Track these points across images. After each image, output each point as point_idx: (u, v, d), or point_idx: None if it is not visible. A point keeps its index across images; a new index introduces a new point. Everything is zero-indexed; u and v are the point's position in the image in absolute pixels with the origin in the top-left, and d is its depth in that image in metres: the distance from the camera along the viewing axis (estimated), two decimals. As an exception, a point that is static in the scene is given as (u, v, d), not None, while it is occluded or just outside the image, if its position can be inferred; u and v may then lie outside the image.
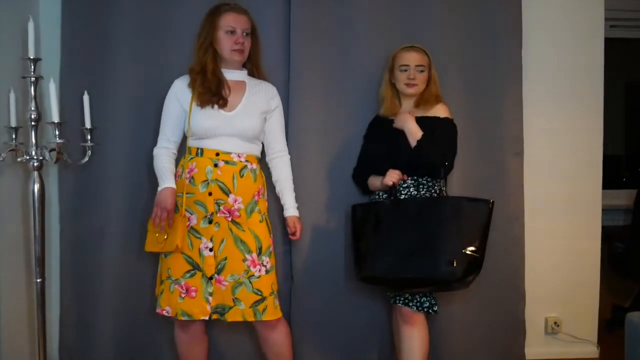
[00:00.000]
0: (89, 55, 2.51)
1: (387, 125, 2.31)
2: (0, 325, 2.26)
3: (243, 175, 2.14)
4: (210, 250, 2.11)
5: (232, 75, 2.21)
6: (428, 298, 2.18)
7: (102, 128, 2.41)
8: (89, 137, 2.21)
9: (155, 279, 2.54)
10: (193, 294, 2.11)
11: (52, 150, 2.11)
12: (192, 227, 2.13)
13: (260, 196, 2.21)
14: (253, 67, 2.26)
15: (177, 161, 2.25)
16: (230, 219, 2.12)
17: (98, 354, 2.56)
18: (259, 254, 2.13)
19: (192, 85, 2.15)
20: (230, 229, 2.12)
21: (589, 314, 2.86)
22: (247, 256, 2.12)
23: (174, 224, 2.10)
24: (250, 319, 2.13)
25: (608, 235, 3.20)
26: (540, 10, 2.73)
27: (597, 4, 2.78)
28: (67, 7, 2.51)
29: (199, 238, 2.12)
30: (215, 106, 2.13)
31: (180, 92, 2.19)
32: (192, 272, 2.12)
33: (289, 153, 2.45)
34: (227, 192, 2.12)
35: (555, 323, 2.83)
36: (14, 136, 2.13)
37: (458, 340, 2.62)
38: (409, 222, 2.11)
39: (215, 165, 2.11)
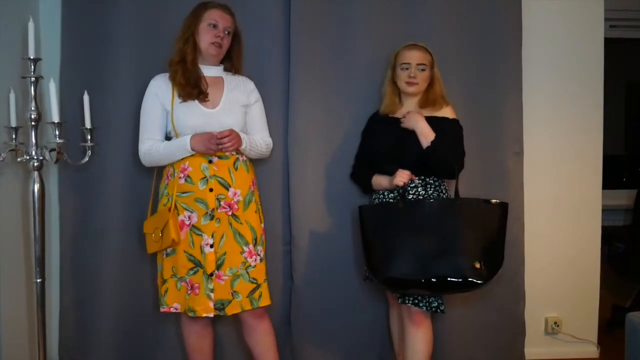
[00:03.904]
0: (89, 55, 2.51)
1: (389, 124, 2.31)
2: (0, 325, 2.26)
3: (237, 168, 2.17)
4: (211, 246, 2.13)
5: (209, 71, 2.22)
6: (436, 298, 2.18)
7: (102, 128, 2.41)
8: (89, 137, 2.20)
9: (155, 278, 2.55)
10: (197, 290, 2.14)
11: (52, 150, 2.10)
12: (193, 225, 2.13)
13: (254, 186, 2.25)
14: (232, 67, 2.27)
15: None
16: (230, 213, 2.14)
17: (98, 354, 2.56)
18: (255, 244, 2.17)
19: (172, 77, 2.16)
20: (230, 223, 2.14)
21: (589, 314, 2.86)
22: (245, 248, 2.15)
23: (165, 221, 2.11)
24: (248, 307, 2.15)
25: (608, 235, 3.21)
26: (540, 10, 2.73)
27: (597, 4, 2.78)
28: (67, 7, 2.51)
29: (200, 235, 2.13)
30: (197, 102, 2.14)
31: (159, 90, 2.19)
32: (195, 269, 2.14)
33: (290, 152, 2.47)
34: (226, 187, 2.14)
35: (555, 323, 2.83)
36: (14, 136, 2.13)
37: (458, 340, 2.62)
38: (427, 224, 2.09)
39: (210, 162, 2.12)
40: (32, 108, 2.04)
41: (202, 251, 2.13)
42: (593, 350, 2.87)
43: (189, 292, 2.15)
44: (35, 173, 2.08)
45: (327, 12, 2.55)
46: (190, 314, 2.15)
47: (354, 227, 2.49)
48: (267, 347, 2.25)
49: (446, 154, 2.17)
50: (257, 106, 2.29)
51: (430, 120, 2.21)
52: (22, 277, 2.40)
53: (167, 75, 2.20)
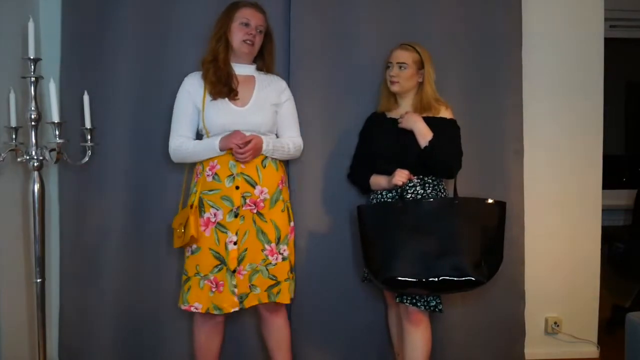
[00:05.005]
0: (89, 55, 2.51)
1: (387, 124, 2.31)
2: (0, 326, 2.26)
3: (265, 166, 2.19)
4: (235, 243, 2.15)
5: (241, 69, 2.24)
6: (434, 297, 2.18)
7: (102, 128, 2.42)
8: (89, 137, 2.21)
9: (155, 278, 2.56)
10: (221, 288, 2.15)
11: (52, 150, 2.10)
12: (218, 223, 2.15)
13: (284, 185, 2.26)
14: (264, 65, 2.30)
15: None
16: (255, 210, 2.16)
17: (98, 354, 2.56)
18: (277, 243, 2.19)
19: (204, 75, 2.19)
20: (254, 221, 2.16)
21: (589, 314, 2.86)
22: (267, 246, 2.18)
23: (187, 217, 2.13)
24: (265, 300, 2.20)
25: (608, 235, 3.21)
26: (540, 10, 2.73)
27: (597, 4, 2.78)
28: (67, 7, 2.51)
29: (225, 232, 2.15)
30: (227, 101, 2.16)
31: (192, 88, 2.22)
32: (220, 266, 2.16)
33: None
34: (253, 184, 2.15)
35: (555, 323, 2.83)
36: (14, 136, 2.13)
37: (458, 340, 2.62)
38: (426, 224, 2.10)
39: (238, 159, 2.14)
40: (32, 108, 2.04)
41: (226, 248, 2.15)
42: (593, 350, 2.87)
43: (213, 290, 2.15)
44: (35, 173, 2.08)
45: (327, 12, 2.55)
46: (216, 312, 2.16)
47: (353, 227, 2.49)
48: (281, 341, 2.31)
49: (444, 154, 2.18)
50: (288, 105, 2.31)
51: (428, 120, 2.21)
52: (22, 277, 2.40)
53: (200, 73, 2.23)
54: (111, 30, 2.50)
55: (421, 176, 2.23)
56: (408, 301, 2.17)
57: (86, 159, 2.21)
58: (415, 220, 2.11)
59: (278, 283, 2.20)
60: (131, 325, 2.57)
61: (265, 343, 2.38)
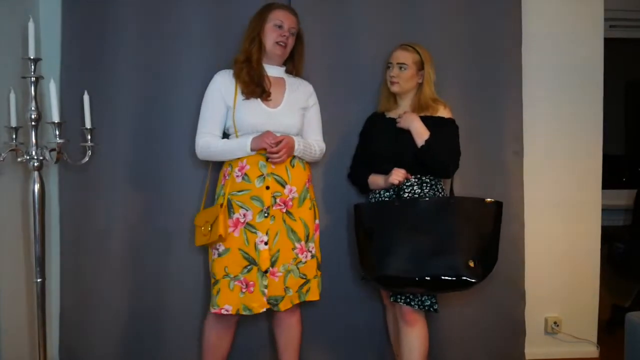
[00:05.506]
0: (89, 55, 2.51)
1: (386, 124, 2.32)
2: (1, 325, 2.26)
3: (294, 166, 2.21)
4: (266, 243, 2.15)
5: (272, 71, 2.26)
6: (429, 297, 2.18)
7: (102, 128, 2.42)
8: (89, 137, 2.20)
9: (155, 278, 2.55)
10: (251, 288, 2.16)
11: (52, 150, 2.10)
12: (247, 223, 2.15)
13: (310, 183, 2.28)
14: (294, 68, 2.32)
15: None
16: (284, 210, 2.17)
17: (98, 354, 2.56)
18: (306, 241, 2.21)
19: (237, 74, 2.20)
20: (284, 220, 2.17)
21: (589, 314, 2.86)
22: (297, 245, 2.19)
23: (215, 216, 2.13)
24: (296, 301, 2.24)
25: (608, 235, 3.21)
26: (540, 10, 2.73)
27: (597, 4, 2.78)
28: (67, 7, 2.51)
29: (255, 233, 2.15)
30: (259, 101, 2.18)
31: (223, 86, 2.22)
32: (249, 267, 2.15)
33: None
34: (283, 184, 2.17)
35: (555, 323, 2.83)
36: (14, 136, 2.13)
37: (458, 340, 2.62)
38: (422, 222, 2.10)
39: (268, 159, 2.15)
40: (32, 108, 2.04)
41: (256, 248, 2.15)
42: (593, 350, 2.87)
43: (244, 290, 2.15)
44: (35, 173, 2.08)
45: (326, 13, 2.55)
46: (246, 312, 2.16)
47: (352, 227, 2.49)
48: (292, 339, 2.33)
49: (441, 153, 2.18)
50: (314, 109, 2.34)
51: (426, 120, 2.22)
52: (22, 277, 2.40)
53: (231, 71, 2.23)
54: (111, 30, 2.50)
55: (419, 175, 2.24)
56: (402, 301, 2.17)
57: (86, 159, 2.21)
58: (410, 219, 2.11)
59: (307, 281, 2.23)
60: (132, 325, 2.57)
61: (275, 341, 2.38)
